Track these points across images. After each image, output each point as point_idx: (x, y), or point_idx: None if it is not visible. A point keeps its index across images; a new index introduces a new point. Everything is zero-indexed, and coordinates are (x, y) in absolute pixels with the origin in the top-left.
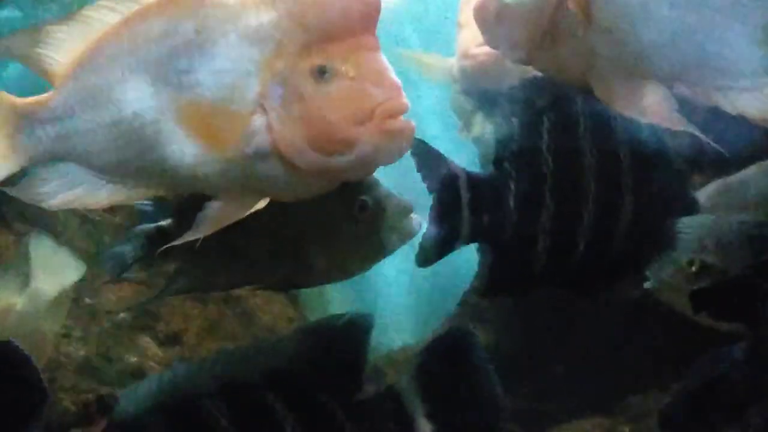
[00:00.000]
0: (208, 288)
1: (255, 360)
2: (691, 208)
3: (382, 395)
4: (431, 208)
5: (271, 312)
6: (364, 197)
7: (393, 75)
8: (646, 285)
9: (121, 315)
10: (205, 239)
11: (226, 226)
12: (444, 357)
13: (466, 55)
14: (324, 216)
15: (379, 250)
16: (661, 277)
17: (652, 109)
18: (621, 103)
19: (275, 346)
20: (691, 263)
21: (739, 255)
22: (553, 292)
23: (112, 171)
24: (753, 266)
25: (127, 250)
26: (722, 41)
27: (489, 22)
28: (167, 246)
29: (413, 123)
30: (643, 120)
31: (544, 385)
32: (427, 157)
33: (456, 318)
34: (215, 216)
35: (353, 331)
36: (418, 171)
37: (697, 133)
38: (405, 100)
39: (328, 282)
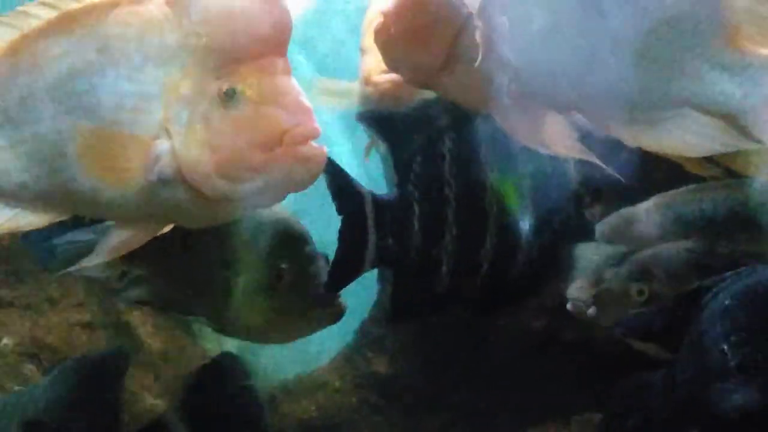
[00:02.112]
0: (164, 307)
1: (11, 413)
2: (587, 234)
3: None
4: (339, 232)
5: (161, 340)
6: (283, 265)
7: (303, 99)
8: (568, 306)
9: (4, 342)
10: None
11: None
12: (209, 383)
13: (368, 82)
14: (243, 280)
15: (300, 326)
16: (579, 298)
17: (553, 139)
18: (522, 133)
19: (30, 395)
20: (640, 292)
21: (686, 282)
22: (453, 319)
23: (13, 194)
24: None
25: (83, 240)
26: (621, 73)
27: (389, 46)
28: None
29: (324, 149)
30: (545, 151)
31: (447, 415)
32: (335, 179)
33: (354, 347)
34: (117, 243)
35: (106, 369)
36: (329, 191)
37: (598, 162)
38: (316, 125)
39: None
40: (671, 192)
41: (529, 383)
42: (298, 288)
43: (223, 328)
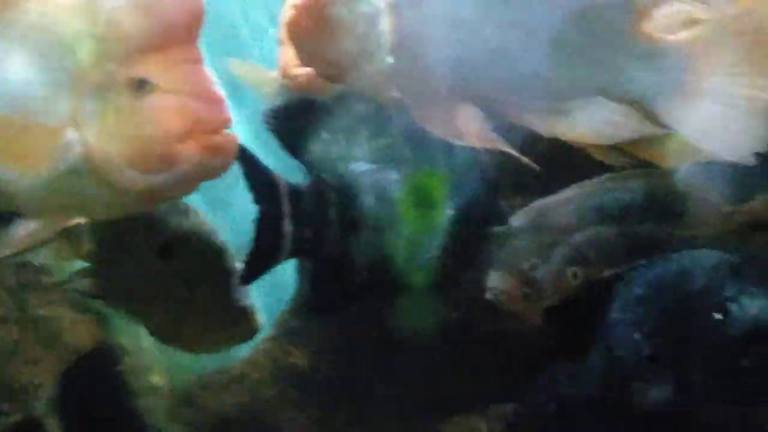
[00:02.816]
0: (109, 301)
1: None
2: (501, 221)
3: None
4: (254, 222)
5: (77, 335)
6: (195, 280)
7: (216, 88)
8: (488, 296)
9: None
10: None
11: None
12: (81, 378)
13: (285, 75)
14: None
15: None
16: (498, 288)
17: (466, 130)
18: (435, 125)
19: None
20: (575, 275)
21: (618, 266)
22: (372, 310)
23: None
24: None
25: None
26: (534, 63)
27: (300, 39)
28: None
29: (237, 137)
30: (458, 142)
31: (363, 408)
32: (249, 168)
33: (273, 340)
34: (24, 234)
35: None
36: (245, 181)
37: (514, 153)
38: (228, 114)
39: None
40: (588, 182)
41: (448, 375)
42: (212, 303)
43: (152, 333)
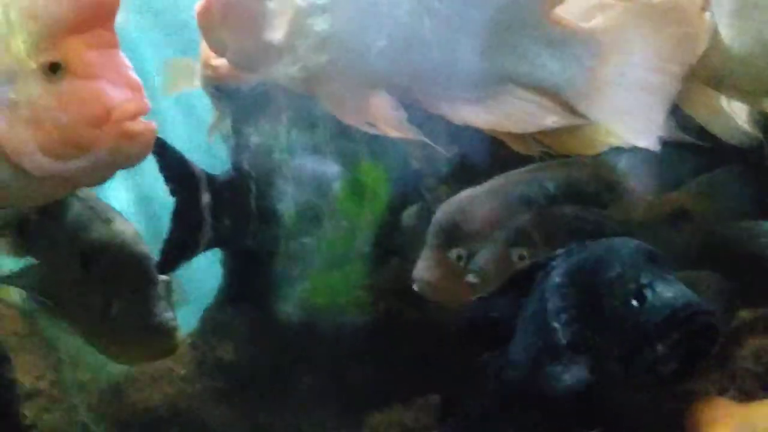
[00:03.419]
0: (50, 299)
1: None
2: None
3: None
4: (172, 212)
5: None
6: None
7: (132, 74)
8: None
9: None
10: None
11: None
12: None
13: (206, 65)
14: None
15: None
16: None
17: (380, 119)
18: (348, 114)
19: None
20: (521, 256)
21: (561, 246)
22: (296, 303)
23: None
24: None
25: None
26: (448, 53)
27: (211, 30)
28: None
29: (153, 125)
30: (372, 131)
31: (289, 401)
32: (167, 159)
33: (199, 334)
34: None
35: None
36: (161, 173)
37: (428, 141)
38: (145, 100)
39: None
40: (513, 172)
41: (373, 366)
42: (128, 317)
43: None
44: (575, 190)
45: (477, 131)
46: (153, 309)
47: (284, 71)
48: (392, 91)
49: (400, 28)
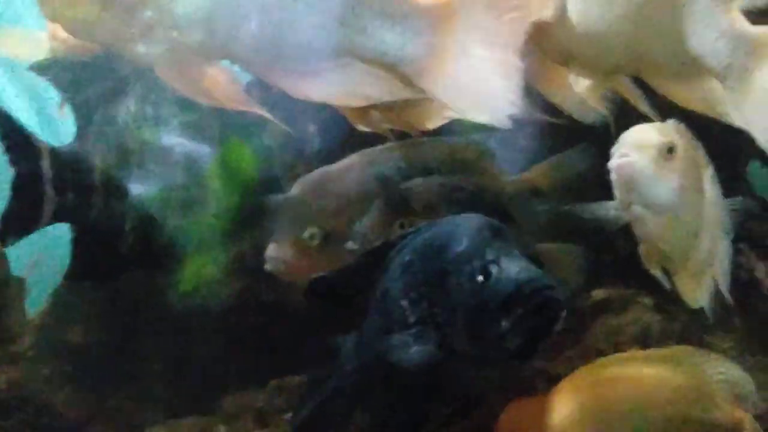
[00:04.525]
0: None
1: None
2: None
3: None
4: (11, 185)
5: None
6: None
7: None
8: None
9: None
10: None
11: None
12: None
13: (55, 37)
14: None
15: None
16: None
17: (215, 90)
18: (182, 84)
19: None
20: (402, 225)
21: (438, 215)
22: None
23: None
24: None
25: None
26: (287, 25)
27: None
28: None
29: None
30: (206, 102)
31: (139, 385)
32: (5, 128)
33: (47, 315)
34: None
35: None
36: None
37: (267, 115)
38: None
39: None
40: (369, 150)
41: (227, 348)
42: None
43: None
44: (429, 170)
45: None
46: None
47: (117, 39)
48: (238, 63)
49: (239, 1)
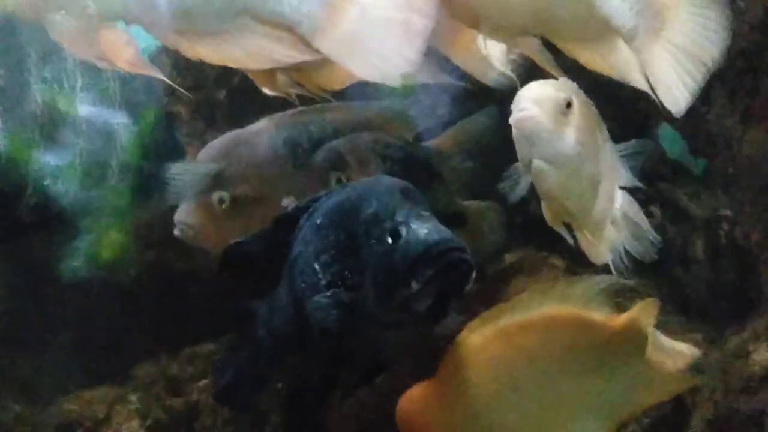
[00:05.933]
0: None
1: None
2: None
3: None
4: None
5: None
6: None
7: None
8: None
9: None
10: None
11: None
12: None
13: None
14: None
15: None
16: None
17: (113, 53)
18: (77, 47)
19: None
20: (339, 180)
21: (372, 172)
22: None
23: None
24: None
25: None
26: None
27: None
28: None
29: None
30: (104, 66)
31: (48, 355)
32: None
33: None
34: None
35: None
36: None
37: (164, 78)
38: None
39: None
40: (279, 114)
41: (138, 317)
42: None
43: None
44: (340, 133)
45: None
46: None
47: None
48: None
49: None
